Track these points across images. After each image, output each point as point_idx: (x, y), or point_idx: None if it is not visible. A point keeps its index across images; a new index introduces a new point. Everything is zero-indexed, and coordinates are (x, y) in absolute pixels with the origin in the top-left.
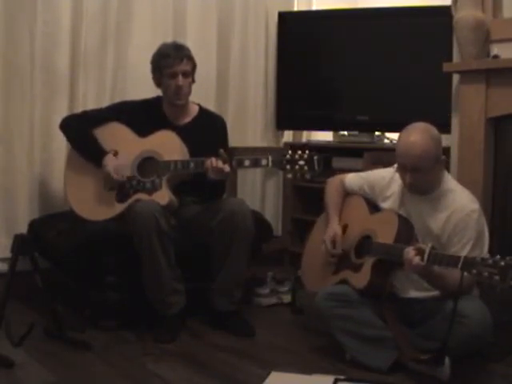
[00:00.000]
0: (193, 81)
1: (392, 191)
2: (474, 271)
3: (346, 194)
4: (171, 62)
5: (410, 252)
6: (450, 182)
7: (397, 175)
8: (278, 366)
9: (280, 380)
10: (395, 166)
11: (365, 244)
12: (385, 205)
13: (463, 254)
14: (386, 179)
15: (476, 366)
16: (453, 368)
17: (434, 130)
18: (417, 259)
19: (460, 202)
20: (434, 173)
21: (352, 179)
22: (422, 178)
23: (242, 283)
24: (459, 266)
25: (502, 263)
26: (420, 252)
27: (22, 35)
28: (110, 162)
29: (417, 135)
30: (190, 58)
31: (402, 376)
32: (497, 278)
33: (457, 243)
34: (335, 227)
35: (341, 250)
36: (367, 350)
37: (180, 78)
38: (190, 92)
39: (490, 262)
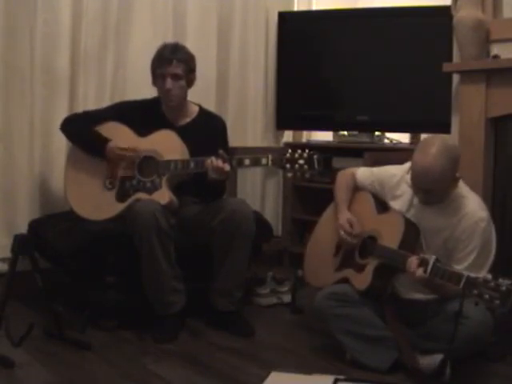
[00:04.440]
0: (188, 84)
1: (402, 191)
2: (475, 292)
3: (355, 189)
4: (160, 63)
5: (413, 262)
6: (461, 188)
7: (408, 175)
8: (278, 366)
9: (280, 380)
10: (408, 164)
11: (369, 244)
12: (394, 203)
13: (467, 262)
14: (397, 177)
15: (476, 366)
16: (453, 368)
17: (452, 149)
18: (420, 271)
19: (470, 209)
20: (448, 189)
21: (363, 174)
22: (434, 196)
23: (243, 283)
24: (461, 284)
25: (504, 288)
26: (423, 263)
27: (22, 35)
28: (116, 144)
29: (434, 157)
30: (182, 61)
31: (402, 376)
32: (497, 302)
33: (462, 250)
34: (347, 213)
35: (359, 232)
36: (367, 350)
37: (168, 80)
38: (181, 94)
39: (492, 284)
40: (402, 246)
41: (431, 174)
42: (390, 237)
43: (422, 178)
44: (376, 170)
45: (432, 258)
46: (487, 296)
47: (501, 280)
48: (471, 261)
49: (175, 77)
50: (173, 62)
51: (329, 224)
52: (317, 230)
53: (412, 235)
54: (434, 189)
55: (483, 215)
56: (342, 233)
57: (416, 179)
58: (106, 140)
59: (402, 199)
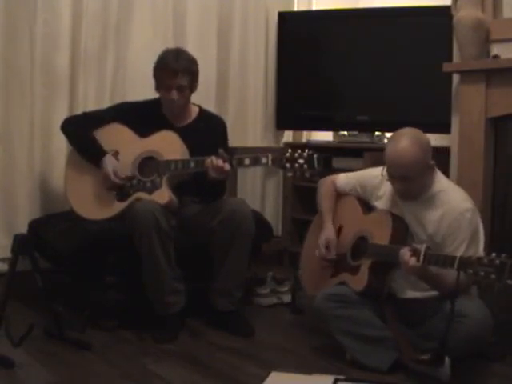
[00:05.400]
0: (192, 90)
1: (384, 190)
2: (470, 271)
3: (339, 194)
4: (166, 75)
5: (406, 253)
6: (441, 181)
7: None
8: (278, 366)
9: (280, 380)
10: (385, 168)
11: (360, 245)
12: (378, 204)
13: (458, 254)
14: (378, 178)
15: (476, 366)
16: (453, 368)
17: (422, 137)
18: (413, 260)
19: (452, 202)
20: (424, 179)
21: (343, 180)
22: (411, 185)
23: (243, 283)
24: (455, 266)
25: (498, 262)
26: (416, 253)
27: (22, 35)
28: (109, 162)
29: (404, 144)
30: (186, 71)
31: (402, 376)
32: (493, 276)
33: (451, 244)
34: (329, 231)
35: (335, 255)
36: (367, 350)
37: (174, 92)
38: (185, 102)
39: (486, 261)
40: (392, 241)
41: (403, 158)
42: (380, 234)
43: (395, 165)
44: (356, 174)
45: (423, 246)
46: (482, 273)
47: (494, 255)
48: (462, 253)
49: (180, 88)
50: (178, 75)
51: (318, 233)
52: (307, 239)
53: (401, 229)
54: (408, 175)
55: (467, 206)
56: (317, 254)
57: (390, 167)
58: (102, 153)
59: (385, 198)
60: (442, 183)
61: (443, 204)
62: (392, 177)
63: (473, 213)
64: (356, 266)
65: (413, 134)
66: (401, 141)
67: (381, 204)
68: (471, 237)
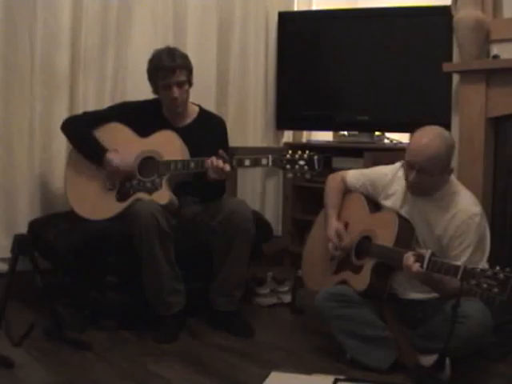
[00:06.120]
0: (190, 85)
1: (395, 189)
2: (474, 282)
3: (346, 191)
4: (163, 74)
5: (409, 258)
6: (454, 184)
7: (400, 173)
8: (278, 366)
9: (280, 380)
10: (399, 163)
11: (364, 244)
12: (387, 203)
13: (464, 258)
14: (389, 176)
15: (476, 366)
16: (453, 368)
17: (449, 137)
18: (416, 266)
19: (463, 205)
20: (439, 178)
21: (353, 176)
22: (425, 180)
23: (243, 283)
24: (459, 276)
25: (501, 275)
26: (420, 258)
27: (22, 35)
28: (113, 156)
29: (431, 137)
30: (183, 67)
31: (402, 376)
32: (496, 290)
33: (457, 246)
34: (335, 223)
35: (348, 243)
36: (367, 350)
37: (174, 89)
38: (187, 98)
39: (490, 273)
40: (397, 244)
41: (426, 150)
42: (385, 235)
43: (417, 154)
44: (366, 170)
45: (428, 253)
46: (485, 285)
47: (498, 269)
48: (467, 257)
49: (179, 84)
50: (176, 71)
51: (322, 229)
52: (312, 235)
53: (407, 232)
54: (426, 168)
55: (476, 210)
56: (330, 246)
57: (411, 155)
58: (103, 150)
59: (395, 197)
60: (456, 186)
61: (453, 206)
62: (409, 166)
63: (481, 218)
64: (359, 265)
65: (441, 132)
66: (428, 133)
67: (390, 203)
68: (478, 241)
